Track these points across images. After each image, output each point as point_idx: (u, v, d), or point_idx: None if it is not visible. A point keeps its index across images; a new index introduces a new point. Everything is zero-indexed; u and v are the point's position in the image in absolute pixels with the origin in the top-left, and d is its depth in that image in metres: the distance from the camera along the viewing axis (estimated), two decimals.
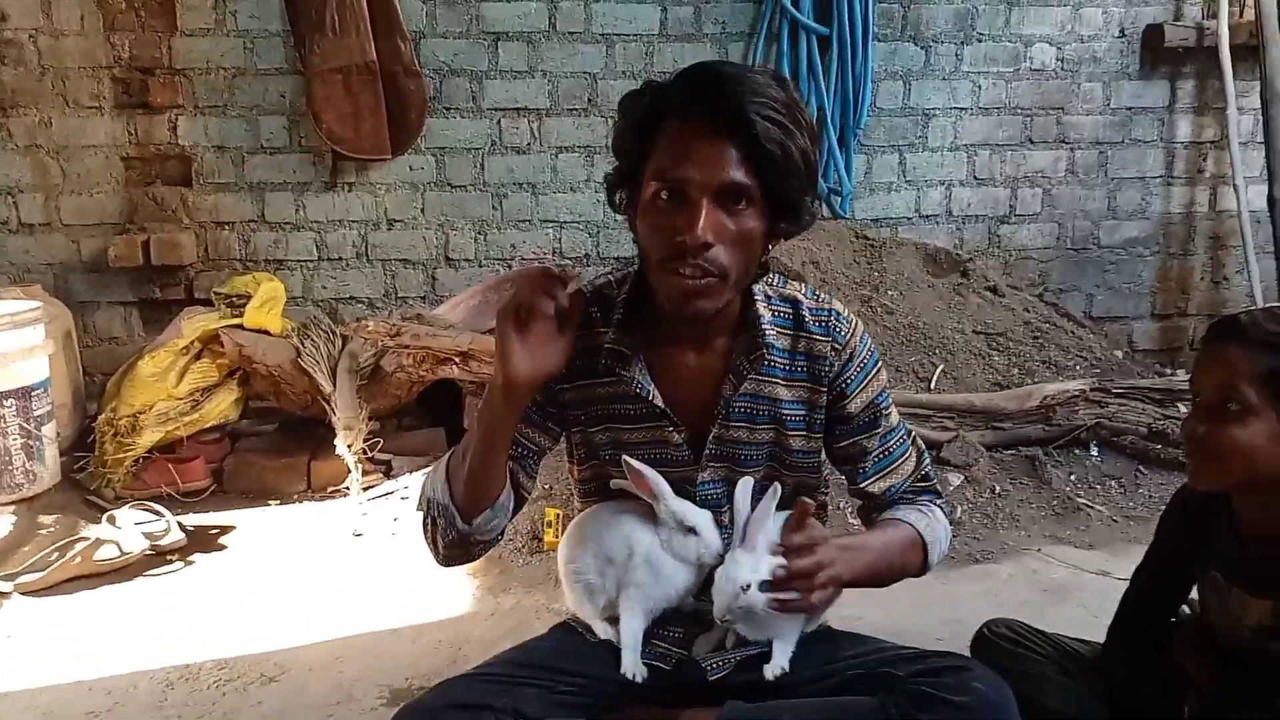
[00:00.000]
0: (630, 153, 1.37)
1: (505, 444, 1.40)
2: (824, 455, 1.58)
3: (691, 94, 1.31)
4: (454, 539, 1.43)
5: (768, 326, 1.45)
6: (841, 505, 2.82)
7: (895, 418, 1.55)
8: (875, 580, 1.45)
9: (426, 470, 3.24)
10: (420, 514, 1.50)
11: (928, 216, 4.37)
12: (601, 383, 1.48)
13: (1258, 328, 1.36)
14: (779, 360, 1.47)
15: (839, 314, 1.49)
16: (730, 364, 1.46)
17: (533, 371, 1.32)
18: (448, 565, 1.51)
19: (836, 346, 1.48)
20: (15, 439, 2.96)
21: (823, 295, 1.52)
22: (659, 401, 1.45)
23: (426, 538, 1.49)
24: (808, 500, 1.39)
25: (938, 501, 1.56)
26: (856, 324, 1.51)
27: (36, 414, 3.03)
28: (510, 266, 4.14)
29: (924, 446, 1.60)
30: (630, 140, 1.37)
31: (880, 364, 1.53)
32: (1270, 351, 1.34)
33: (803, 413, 1.49)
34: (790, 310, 1.48)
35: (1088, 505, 3.02)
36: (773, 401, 1.48)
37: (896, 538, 1.49)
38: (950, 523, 1.57)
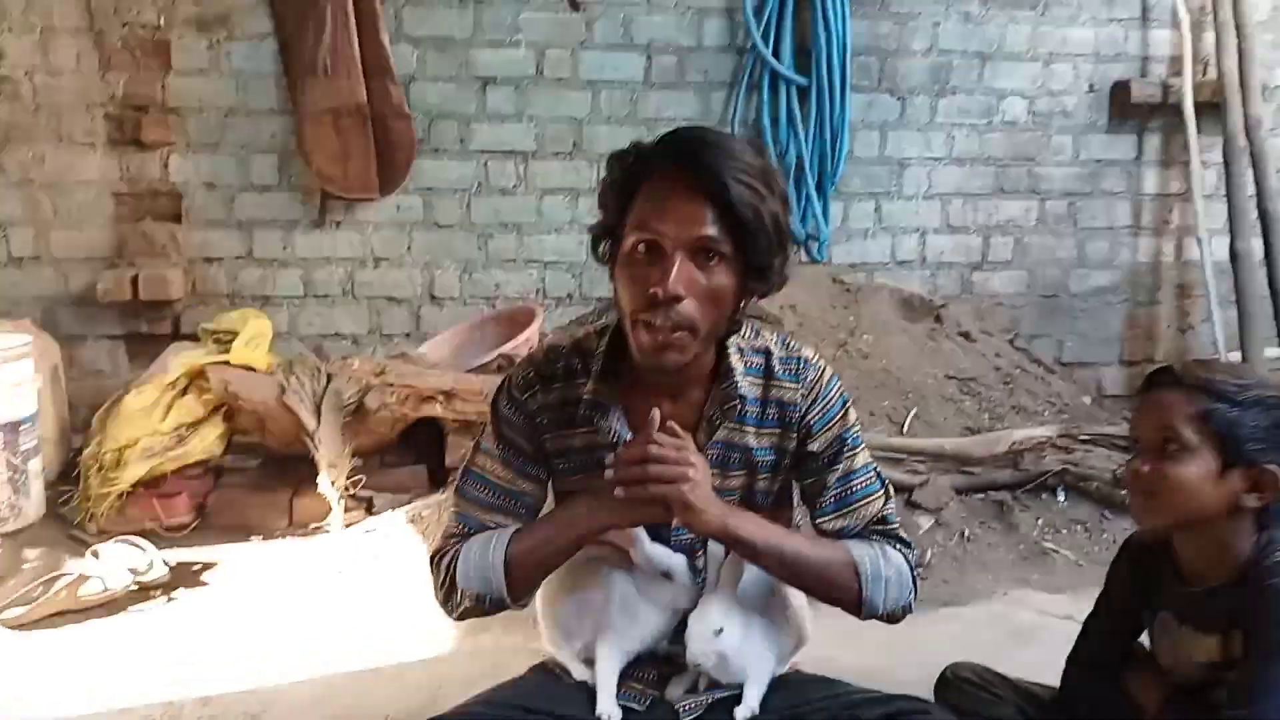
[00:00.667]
0: (612, 209, 1.45)
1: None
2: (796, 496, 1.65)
3: (672, 155, 1.40)
4: (490, 611, 1.52)
5: (740, 378, 1.52)
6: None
7: (862, 460, 1.57)
8: (778, 567, 1.47)
9: (408, 508, 3.29)
10: (436, 581, 1.55)
11: (903, 262, 4.48)
12: (579, 432, 1.54)
13: (1191, 374, 1.47)
14: (751, 409, 1.53)
15: (807, 360, 1.56)
16: (704, 414, 1.53)
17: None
18: (461, 620, 1.57)
19: (804, 391, 1.54)
20: (1, 473, 2.98)
21: (793, 344, 1.58)
22: None
23: (449, 606, 1.54)
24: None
25: (899, 547, 1.54)
26: (825, 368, 1.57)
27: (23, 448, 3.06)
28: (494, 305, 4.21)
29: (892, 494, 1.60)
30: (613, 197, 1.45)
31: (848, 405, 1.57)
32: (1205, 394, 1.44)
33: (773, 458, 1.56)
34: (762, 360, 1.54)
35: (1054, 550, 3.09)
36: (745, 450, 1.54)
37: (824, 548, 1.50)
38: (914, 569, 1.55)
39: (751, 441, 1.54)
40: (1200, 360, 1.55)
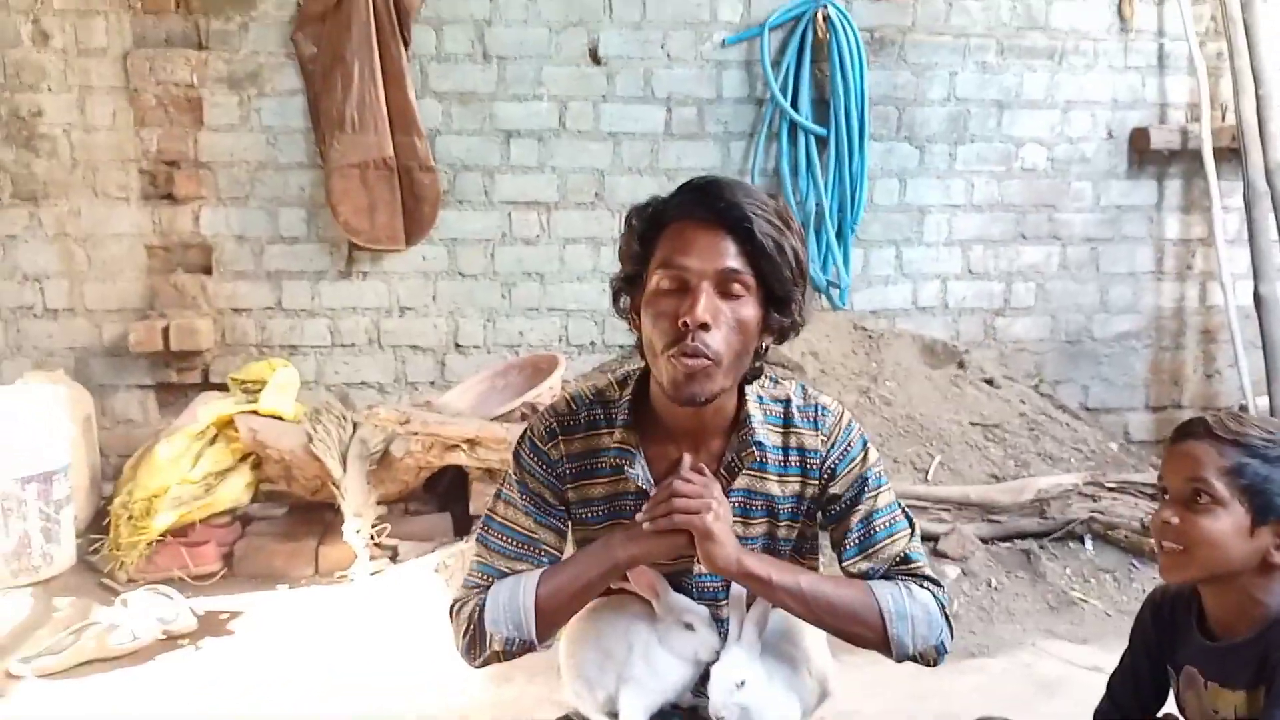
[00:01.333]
0: (635, 257, 1.49)
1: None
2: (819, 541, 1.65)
3: (692, 198, 1.45)
4: (515, 655, 1.53)
5: (759, 425, 1.53)
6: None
7: (885, 500, 1.57)
8: (794, 599, 1.48)
9: (432, 556, 3.30)
10: (458, 630, 1.55)
11: (924, 308, 4.49)
12: (602, 480, 1.56)
13: (1223, 426, 1.44)
14: (772, 457, 1.54)
15: (825, 408, 1.58)
16: (723, 462, 1.55)
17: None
18: (483, 667, 1.58)
19: (824, 438, 1.55)
20: (35, 522, 3.04)
21: (811, 393, 1.60)
22: None
23: (472, 654, 1.54)
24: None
25: (926, 585, 1.53)
26: (844, 414, 1.59)
27: (56, 498, 3.12)
28: (518, 353, 4.25)
29: (918, 533, 1.59)
30: (635, 247, 1.49)
31: (868, 447, 1.58)
32: (1237, 447, 1.42)
33: (794, 505, 1.57)
34: (781, 409, 1.56)
35: (1082, 599, 3.07)
36: (767, 497, 1.55)
37: (844, 587, 1.51)
38: (945, 608, 1.54)
39: (774, 489, 1.55)
40: (1233, 412, 1.52)
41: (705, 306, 1.39)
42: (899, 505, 1.59)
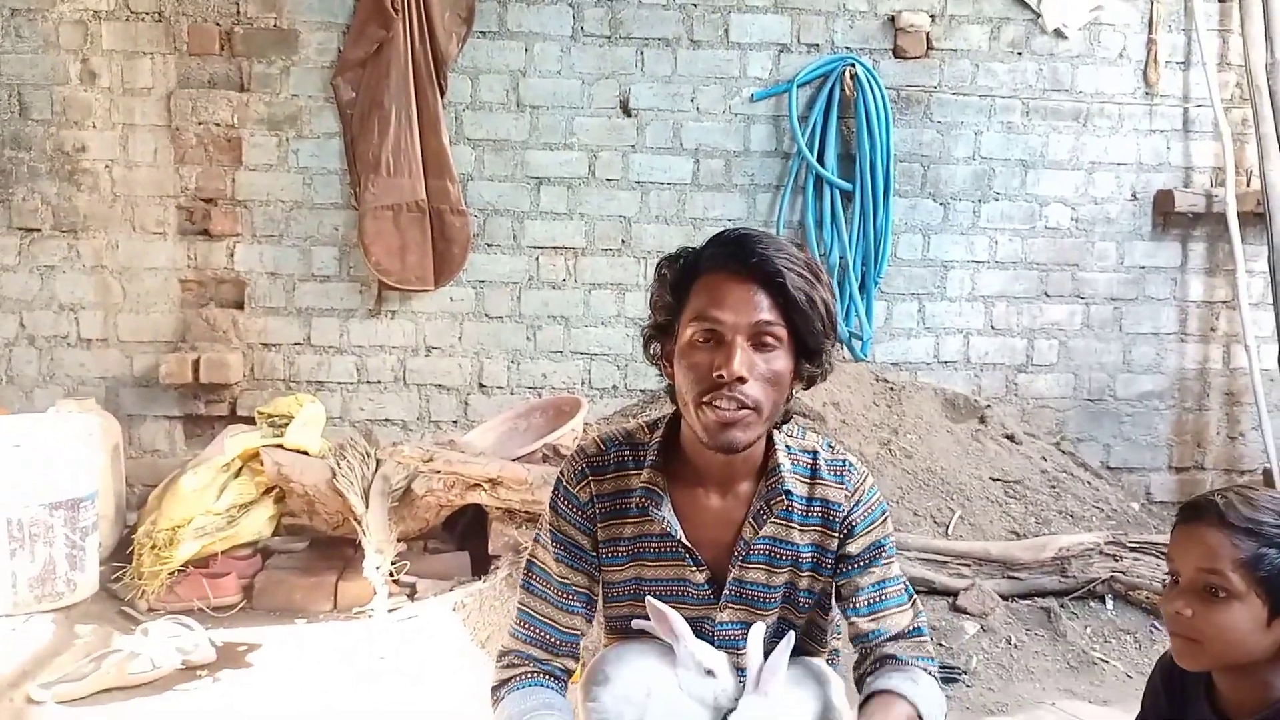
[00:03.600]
0: (667, 307, 1.52)
1: None
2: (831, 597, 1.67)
3: (724, 251, 1.47)
4: None
5: (787, 474, 1.56)
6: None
7: (896, 571, 1.62)
8: None
9: (451, 595, 3.31)
10: (492, 697, 1.63)
11: (946, 363, 4.50)
12: (630, 521, 1.58)
13: (1235, 511, 1.38)
14: (797, 506, 1.57)
15: (851, 465, 1.61)
16: (751, 509, 1.56)
17: None
18: None
19: (847, 493, 1.59)
20: (61, 548, 3.07)
21: (838, 447, 1.64)
22: (684, 539, 1.55)
23: (492, 704, 1.62)
24: None
25: (930, 668, 1.59)
26: (867, 475, 1.63)
27: (82, 524, 3.15)
28: (541, 395, 4.29)
29: (920, 609, 1.64)
30: (667, 296, 1.52)
31: (886, 515, 1.62)
32: (1252, 537, 1.36)
33: (812, 554, 1.59)
34: (809, 460, 1.59)
35: (1103, 660, 3.03)
36: (790, 545, 1.57)
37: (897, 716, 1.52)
38: (939, 681, 1.59)
39: (796, 538, 1.57)
40: (1243, 493, 1.46)
41: (741, 361, 1.41)
42: (903, 579, 1.64)
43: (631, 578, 1.60)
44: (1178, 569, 1.44)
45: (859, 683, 1.62)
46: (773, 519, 1.56)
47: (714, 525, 1.57)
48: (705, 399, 1.43)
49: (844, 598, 1.62)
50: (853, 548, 1.59)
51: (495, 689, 1.61)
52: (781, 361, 1.45)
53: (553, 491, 1.63)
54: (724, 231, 1.52)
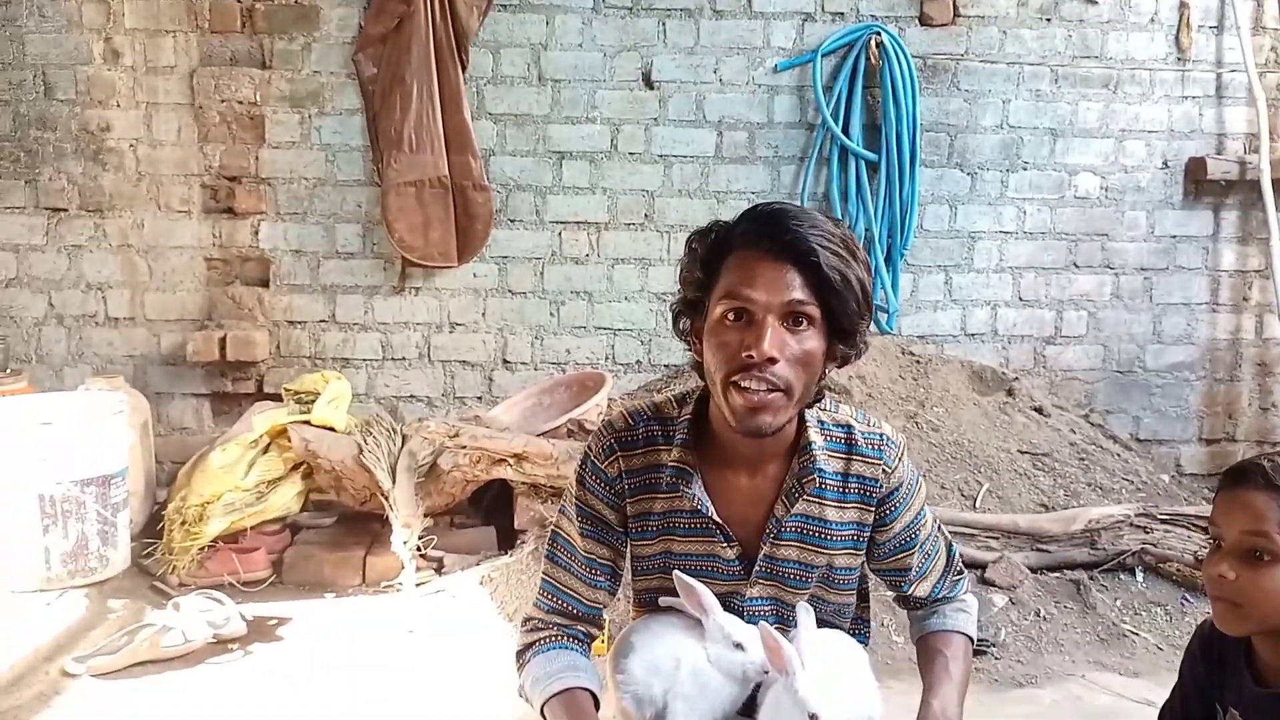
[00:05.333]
0: (697, 283, 1.48)
1: None
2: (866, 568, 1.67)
3: (756, 227, 1.43)
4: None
5: (819, 451, 1.53)
6: (885, 622, 2.85)
7: (929, 523, 1.65)
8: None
9: (477, 569, 3.33)
10: (517, 655, 1.66)
11: (973, 335, 4.46)
12: (661, 497, 1.57)
13: None
14: (831, 483, 1.55)
15: (888, 438, 1.59)
16: (784, 487, 1.54)
17: None
18: None
19: (886, 469, 1.57)
20: (93, 524, 3.11)
21: (872, 419, 1.61)
22: (715, 516, 1.54)
23: (517, 671, 1.65)
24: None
25: (965, 586, 1.72)
26: (904, 448, 1.60)
27: (114, 500, 3.19)
28: (564, 370, 4.29)
29: (948, 536, 1.72)
30: (697, 272, 1.48)
31: (921, 484, 1.64)
32: None
33: (851, 532, 1.58)
34: (844, 434, 1.56)
35: (1133, 632, 3.01)
36: (823, 523, 1.56)
37: (962, 656, 1.63)
38: (977, 654, 1.74)
39: (830, 515, 1.56)
40: None
41: (772, 341, 1.38)
42: (934, 525, 1.69)
43: (661, 552, 1.60)
44: (1221, 533, 1.42)
45: (917, 622, 1.72)
46: (805, 497, 1.54)
47: (745, 503, 1.56)
48: (734, 379, 1.40)
49: (893, 573, 1.66)
50: (896, 528, 1.60)
51: (520, 653, 1.62)
52: (813, 341, 1.41)
53: (579, 465, 1.62)
54: (757, 206, 1.47)
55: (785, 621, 1.58)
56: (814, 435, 1.54)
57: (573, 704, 1.51)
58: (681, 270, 1.53)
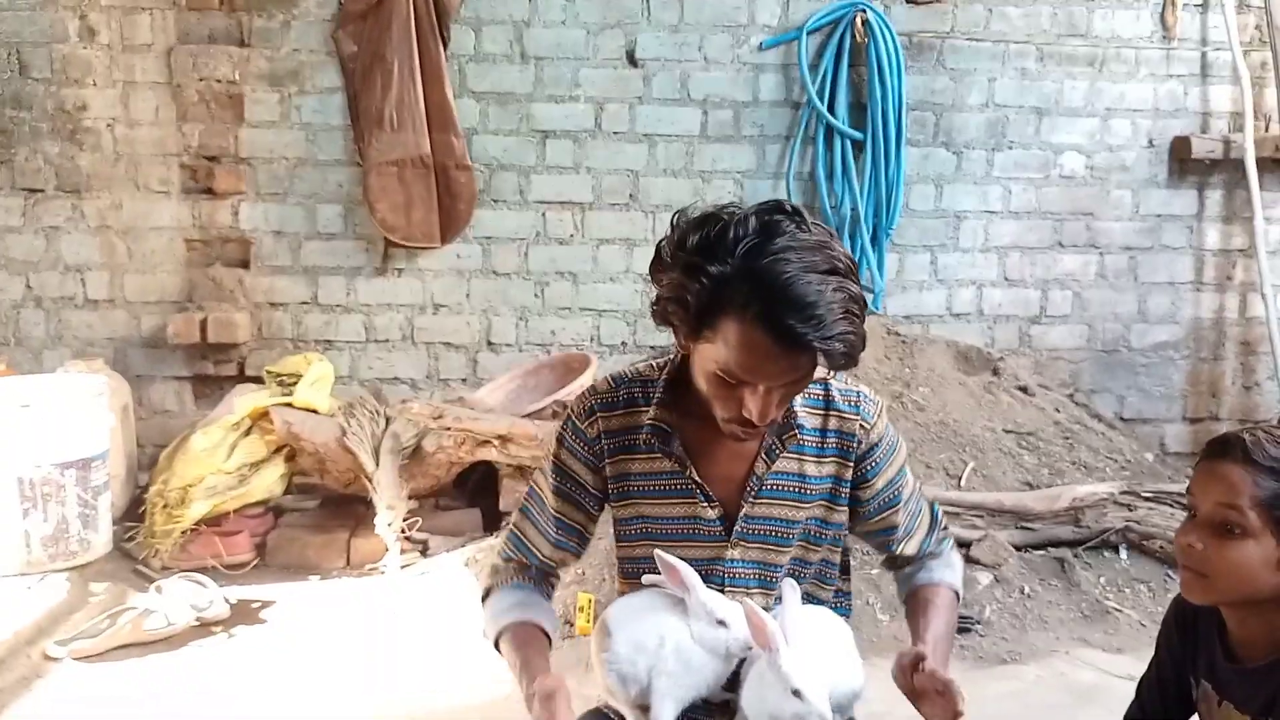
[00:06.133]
0: (684, 323, 1.40)
1: None
2: (847, 530, 1.67)
3: (758, 310, 1.30)
4: None
5: (799, 408, 1.54)
6: (870, 601, 2.86)
7: (911, 482, 1.65)
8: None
9: (462, 551, 3.32)
10: (480, 596, 1.67)
11: (959, 315, 4.46)
12: (639, 458, 1.56)
13: (1261, 450, 1.35)
14: (810, 439, 1.55)
15: (866, 395, 1.59)
16: (764, 444, 1.54)
17: None
18: None
19: (865, 425, 1.56)
20: (73, 507, 3.09)
21: (850, 379, 1.60)
22: (695, 475, 1.54)
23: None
24: (919, 651, 1.46)
25: (950, 541, 1.72)
26: (882, 405, 1.61)
27: (94, 484, 3.16)
28: (549, 352, 4.27)
29: (928, 496, 1.72)
30: (685, 322, 1.39)
31: (901, 442, 1.64)
32: (1274, 476, 1.34)
33: (829, 485, 1.57)
34: (821, 391, 1.56)
35: (1117, 609, 3.03)
36: (801, 478, 1.56)
37: (946, 607, 1.62)
38: (962, 631, 1.76)
39: (810, 470, 1.56)
40: (1273, 433, 1.44)
41: (771, 408, 1.38)
42: (915, 482, 1.68)
43: (639, 516, 1.59)
44: (1197, 503, 1.42)
45: (904, 580, 1.71)
46: (785, 453, 1.54)
47: (725, 461, 1.55)
48: (729, 423, 1.42)
49: (881, 534, 1.65)
50: (878, 484, 1.59)
51: (482, 598, 1.65)
52: (810, 376, 1.40)
53: (560, 425, 1.62)
54: (748, 244, 1.31)
55: (768, 585, 1.58)
56: None
57: (520, 634, 1.56)
58: (667, 290, 1.40)
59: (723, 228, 1.35)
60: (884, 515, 1.62)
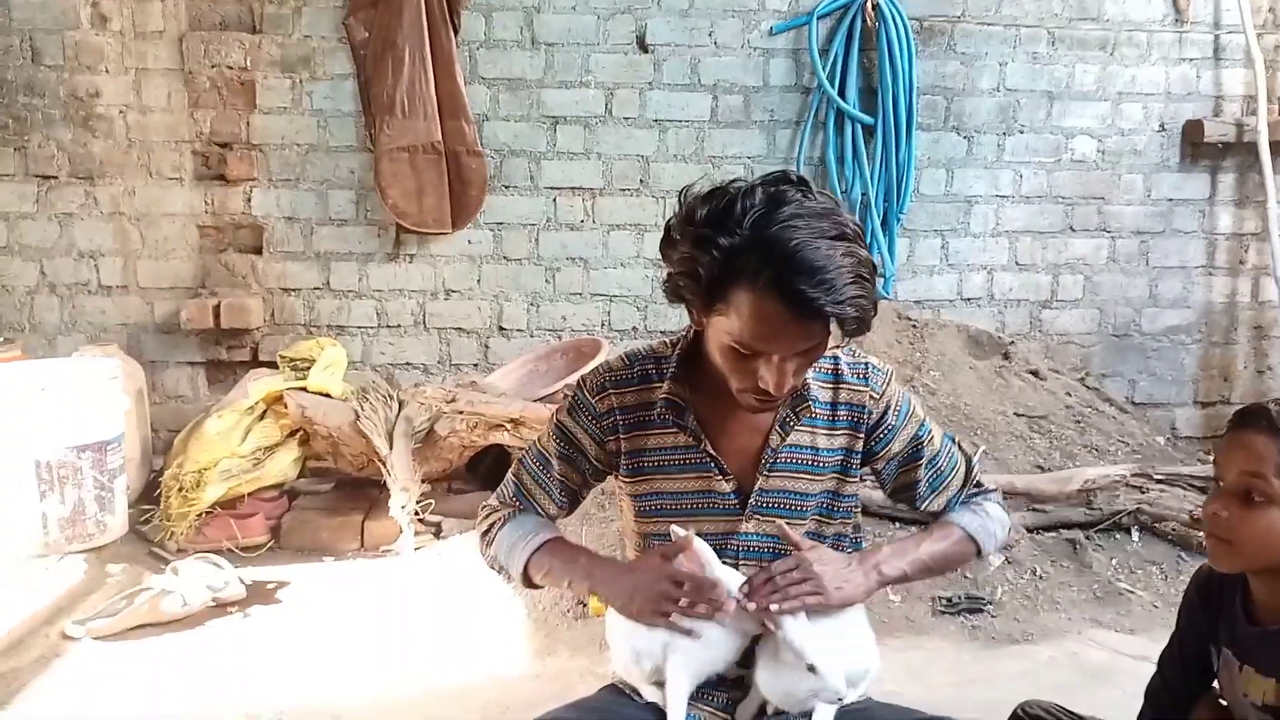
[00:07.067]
0: (695, 295, 1.41)
1: None
2: (868, 503, 1.68)
3: (769, 276, 1.31)
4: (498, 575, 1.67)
5: (811, 381, 1.55)
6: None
7: (938, 440, 1.64)
8: (924, 574, 1.63)
9: (474, 532, 3.33)
10: (480, 528, 1.69)
11: (970, 299, 4.45)
12: (654, 433, 1.57)
13: None
14: (821, 412, 1.57)
15: (874, 365, 1.60)
16: (777, 416, 1.55)
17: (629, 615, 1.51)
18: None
19: (874, 395, 1.58)
20: (90, 490, 3.11)
21: (858, 350, 1.63)
22: (710, 449, 1.55)
23: (480, 549, 1.70)
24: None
25: (991, 497, 1.68)
26: (891, 373, 1.62)
27: (110, 467, 3.18)
28: (560, 337, 4.28)
29: (970, 454, 1.70)
30: (697, 295, 1.40)
31: (914, 404, 1.64)
32: None
33: (840, 458, 1.59)
34: (831, 365, 1.58)
35: (1129, 590, 3.03)
36: (814, 450, 1.57)
37: (946, 538, 1.62)
38: (1002, 505, 1.69)
39: (822, 442, 1.57)
40: None
41: (787, 377, 1.39)
42: (949, 437, 1.68)
43: (654, 492, 1.60)
44: (1223, 473, 1.44)
45: None
46: (798, 426, 1.55)
47: (739, 434, 1.57)
48: (744, 392, 1.43)
49: (903, 490, 1.66)
50: (895, 447, 1.61)
51: (484, 534, 1.67)
52: (821, 347, 1.42)
53: (573, 392, 1.63)
54: (756, 214, 1.33)
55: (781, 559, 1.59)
56: None
57: (563, 545, 1.61)
58: (680, 265, 1.41)
59: (730, 200, 1.36)
60: (906, 470, 1.63)
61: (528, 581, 1.62)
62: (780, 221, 1.32)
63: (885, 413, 1.59)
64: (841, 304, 1.32)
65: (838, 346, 1.60)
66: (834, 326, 1.42)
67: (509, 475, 1.69)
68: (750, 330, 1.36)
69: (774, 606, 1.42)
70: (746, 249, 1.33)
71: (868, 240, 4.13)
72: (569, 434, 1.62)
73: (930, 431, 1.64)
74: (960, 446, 1.69)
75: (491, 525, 1.66)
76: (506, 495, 1.67)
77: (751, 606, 1.44)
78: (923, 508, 1.66)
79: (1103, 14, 4.36)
